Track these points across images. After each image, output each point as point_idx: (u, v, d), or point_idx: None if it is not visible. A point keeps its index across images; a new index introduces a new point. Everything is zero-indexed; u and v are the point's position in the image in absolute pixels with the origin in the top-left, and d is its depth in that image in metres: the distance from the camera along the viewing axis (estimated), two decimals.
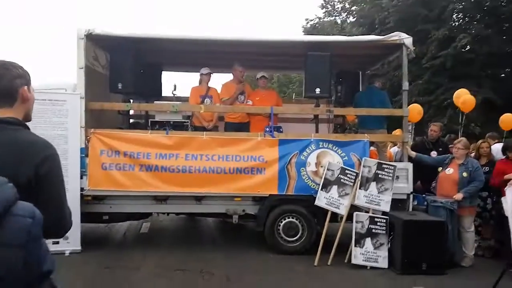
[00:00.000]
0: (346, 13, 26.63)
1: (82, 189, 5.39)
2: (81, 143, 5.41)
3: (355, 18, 22.64)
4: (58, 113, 5.38)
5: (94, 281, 4.48)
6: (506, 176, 5.25)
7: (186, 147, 5.59)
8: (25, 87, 1.65)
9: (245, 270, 4.96)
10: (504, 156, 5.70)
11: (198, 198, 5.80)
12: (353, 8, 23.88)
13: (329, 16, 28.08)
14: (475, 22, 15.30)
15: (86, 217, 5.57)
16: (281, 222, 5.77)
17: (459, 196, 5.32)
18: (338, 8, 27.70)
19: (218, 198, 5.79)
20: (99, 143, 5.46)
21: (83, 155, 5.42)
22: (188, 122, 6.07)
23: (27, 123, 1.66)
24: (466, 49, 14.43)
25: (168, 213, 6.47)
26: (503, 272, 3.08)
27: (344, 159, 5.78)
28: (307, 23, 28.22)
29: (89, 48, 5.78)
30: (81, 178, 5.40)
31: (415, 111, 7.94)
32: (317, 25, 27.05)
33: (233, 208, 5.86)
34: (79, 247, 5.38)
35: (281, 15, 52.07)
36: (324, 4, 28.17)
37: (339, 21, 26.71)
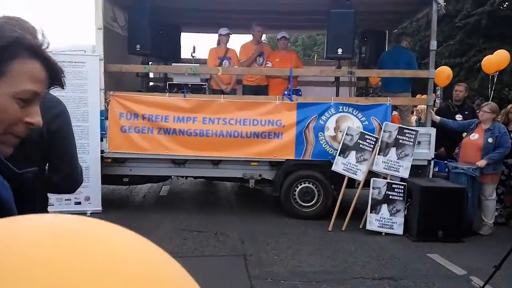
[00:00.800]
0: None
1: (102, 151, 5.51)
2: (100, 105, 5.47)
3: None
4: (77, 75, 5.41)
5: None
6: None
7: (203, 111, 5.57)
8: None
9: (260, 233, 5.04)
10: None
11: (215, 162, 5.84)
12: None
13: None
14: None
15: (106, 179, 5.75)
16: (297, 187, 5.78)
17: (482, 162, 5.13)
18: None
19: (235, 162, 5.82)
20: (118, 106, 5.51)
21: (103, 118, 5.49)
22: (206, 85, 6.01)
23: None
24: (504, 5, 13.45)
25: (186, 177, 6.57)
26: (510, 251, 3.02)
27: (364, 123, 5.64)
28: None
29: (107, 7, 5.71)
30: (101, 140, 5.51)
31: (443, 74, 7.52)
32: None
33: (250, 173, 5.88)
34: (100, 208, 5.58)
35: None
36: None
37: None
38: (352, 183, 5.64)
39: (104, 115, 5.49)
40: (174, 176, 7.68)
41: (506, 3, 13.21)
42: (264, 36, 7.64)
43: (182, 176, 6.63)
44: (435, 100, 8.21)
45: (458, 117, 6.09)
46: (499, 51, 7.36)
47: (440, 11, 5.66)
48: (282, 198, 5.78)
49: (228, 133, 5.59)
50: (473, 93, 12.28)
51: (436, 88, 8.91)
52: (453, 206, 4.96)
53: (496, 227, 5.43)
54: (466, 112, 6.26)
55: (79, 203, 5.47)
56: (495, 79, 9.44)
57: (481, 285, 3.42)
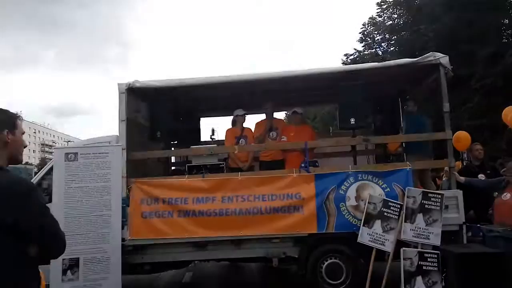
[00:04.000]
0: (386, 44, 26.41)
1: (123, 240, 5.51)
2: (122, 193, 5.61)
3: (395, 48, 22.39)
4: (101, 165, 5.64)
5: None
6: None
7: (222, 189, 5.60)
8: (5, 132, 1.77)
9: None
10: None
11: (237, 243, 5.68)
12: (393, 38, 23.69)
13: (369, 49, 27.97)
14: None
15: (127, 268, 5.66)
16: (323, 263, 5.50)
17: None
18: (378, 39, 27.58)
19: (256, 241, 5.66)
20: (139, 192, 5.63)
21: (125, 205, 5.60)
22: (224, 164, 6.13)
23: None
24: None
25: (208, 260, 6.40)
26: None
27: (386, 190, 5.48)
28: (347, 58, 28.28)
29: (131, 101, 6.13)
30: (122, 228, 5.54)
31: (463, 139, 7.38)
32: (357, 58, 26.99)
33: (273, 251, 5.67)
34: None
35: (320, 53, 52.62)
36: (363, 38, 28.21)
37: (380, 53, 26.46)
38: (381, 255, 5.33)
39: (126, 202, 5.60)
40: (196, 261, 7.54)
41: None
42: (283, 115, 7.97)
43: (205, 260, 6.48)
44: (462, 162, 7.98)
45: (481, 176, 5.86)
46: None
47: (448, 74, 5.77)
48: (309, 276, 5.48)
49: (247, 210, 5.53)
50: (499, 154, 11.91)
51: (462, 152, 8.71)
52: (494, 273, 4.54)
53: None
54: (488, 172, 6.03)
55: None
56: None
57: None
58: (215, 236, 5.52)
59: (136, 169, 6.01)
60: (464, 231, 5.31)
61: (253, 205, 5.55)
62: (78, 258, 5.31)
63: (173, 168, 7.10)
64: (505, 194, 5.16)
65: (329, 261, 5.48)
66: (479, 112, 13.76)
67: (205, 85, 6.07)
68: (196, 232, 5.50)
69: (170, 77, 6.79)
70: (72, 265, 5.30)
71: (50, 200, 5.28)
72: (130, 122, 6.01)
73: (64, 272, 5.25)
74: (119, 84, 5.94)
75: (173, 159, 7.43)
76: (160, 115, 6.03)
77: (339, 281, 5.42)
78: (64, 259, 5.18)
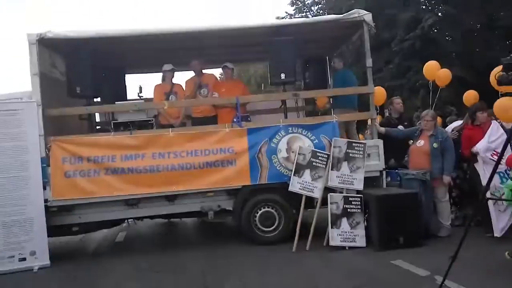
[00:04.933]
0: (316, 8, 26.74)
1: (46, 201, 5.19)
2: (41, 152, 5.21)
3: (324, 11, 22.80)
4: (13, 123, 5.17)
5: None
6: (474, 150, 5.28)
7: (152, 146, 5.44)
8: None
9: (222, 264, 4.84)
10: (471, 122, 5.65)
11: (171, 198, 5.65)
12: (323, 1, 24.04)
13: (300, 12, 28.16)
14: (442, 5, 15.50)
15: (54, 230, 5.38)
16: (257, 213, 5.67)
17: (446, 179, 5.38)
18: (308, 3, 27.81)
19: (191, 195, 5.66)
20: (60, 151, 5.27)
21: (45, 165, 5.21)
22: (153, 120, 5.92)
23: None
24: (435, 30, 14.61)
25: (142, 218, 6.28)
26: (462, 239, 3.09)
27: (314, 142, 5.72)
28: None
29: (44, 53, 5.59)
30: (44, 189, 5.20)
31: (379, 94, 7.85)
32: None
33: (208, 205, 5.73)
34: (47, 262, 5.15)
35: (252, 15, 51.98)
36: (294, 1, 28.25)
37: (310, 16, 26.79)
38: (312, 203, 5.63)
39: (45, 162, 5.22)
40: (130, 220, 7.36)
41: (437, 26, 14.33)
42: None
43: (138, 218, 6.34)
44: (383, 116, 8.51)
45: (400, 127, 6.33)
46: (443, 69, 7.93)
47: (371, 31, 6.02)
48: (243, 226, 5.64)
49: (180, 166, 5.47)
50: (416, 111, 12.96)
51: (385, 108, 9.30)
52: (409, 211, 5.03)
53: (454, 229, 5.52)
54: (406, 123, 6.54)
55: (24, 259, 5.04)
56: (436, 96, 10.05)
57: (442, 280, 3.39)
58: (148, 192, 5.40)
59: (56, 127, 5.59)
60: (384, 176, 5.76)
61: (186, 161, 5.49)
62: None
63: (97, 127, 6.69)
64: (419, 141, 5.65)
65: (263, 210, 5.65)
66: (399, 73, 14.72)
67: (127, 38, 5.72)
68: (126, 190, 5.34)
69: (88, 29, 6.25)
70: None
71: None
72: (45, 76, 5.52)
73: None
74: (28, 35, 5.38)
75: (97, 118, 7.00)
76: (79, 70, 5.56)
77: (272, 228, 5.64)
78: None
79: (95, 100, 6.38)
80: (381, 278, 4.06)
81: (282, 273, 4.43)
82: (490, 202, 4.89)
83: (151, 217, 6.38)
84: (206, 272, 4.61)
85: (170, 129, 5.70)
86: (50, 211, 5.24)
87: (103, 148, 5.35)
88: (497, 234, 4.91)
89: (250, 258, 5.04)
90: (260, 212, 5.67)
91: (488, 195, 4.48)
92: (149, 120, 5.87)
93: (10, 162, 5.09)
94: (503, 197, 4.53)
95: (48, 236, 5.20)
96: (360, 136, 7.31)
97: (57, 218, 5.38)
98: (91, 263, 5.32)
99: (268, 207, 5.69)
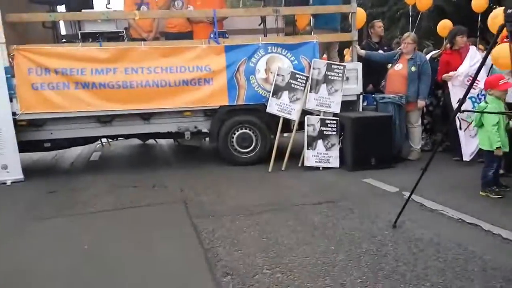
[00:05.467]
0: None
1: (14, 114, 4.95)
2: (4, 61, 4.85)
3: None
4: None
5: (37, 203, 4.26)
6: (444, 77, 5.31)
7: (124, 60, 5.17)
8: None
9: (199, 182, 4.90)
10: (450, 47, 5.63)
11: (146, 117, 5.52)
12: None
13: None
14: None
15: (26, 145, 5.22)
16: (234, 134, 5.67)
17: (421, 104, 5.47)
18: None
19: (167, 115, 5.55)
20: (26, 61, 4.93)
21: (9, 75, 4.89)
22: (123, 32, 5.55)
23: None
24: None
25: (115, 138, 6.16)
26: (432, 155, 3.22)
27: (294, 63, 5.61)
28: None
29: None
30: (11, 101, 4.93)
31: (359, 16, 7.59)
32: None
33: (185, 125, 5.66)
34: (21, 176, 5.07)
35: None
36: None
37: None
38: (289, 127, 5.66)
39: (9, 72, 4.89)
40: (104, 141, 7.24)
41: None
42: None
43: (112, 138, 6.23)
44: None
45: (380, 52, 6.26)
46: None
47: None
48: (220, 146, 5.65)
49: (155, 82, 5.27)
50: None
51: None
52: (382, 133, 5.15)
53: (423, 153, 5.75)
54: (385, 47, 6.48)
55: None
56: (415, 25, 9.87)
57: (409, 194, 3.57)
58: (121, 109, 5.23)
59: (18, 36, 5.17)
60: (361, 100, 5.80)
61: (161, 77, 5.29)
62: None
63: (63, 40, 6.24)
64: (397, 64, 5.64)
65: (240, 131, 5.65)
66: (380, 1, 14.31)
67: None
68: (98, 105, 5.15)
69: None
70: None
71: None
72: None
73: None
74: None
75: (62, 31, 6.51)
76: None
77: (249, 149, 5.69)
78: None
79: (58, 8, 5.87)
80: (352, 193, 4.24)
81: (258, 188, 4.55)
82: (461, 129, 5.07)
83: (126, 137, 6.30)
84: (184, 187, 4.67)
85: (142, 42, 5.39)
86: (19, 125, 5.03)
87: (72, 60, 5.04)
88: (466, 158, 5.14)
89: (227, 176, 5.12)
90: (237, 133, 5.67)
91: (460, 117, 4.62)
92: (119, 32, 5.51)
93: None
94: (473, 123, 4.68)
95: (20, 151, 5.06)
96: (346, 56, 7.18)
97: (28, 134, 5.19)
98: (65, 179, 5.27)
99: (245, 129, 5.69)
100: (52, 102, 5.01)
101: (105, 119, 5.41)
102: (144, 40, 5.62)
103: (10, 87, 4.90)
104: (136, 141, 7.57)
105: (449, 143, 5.69)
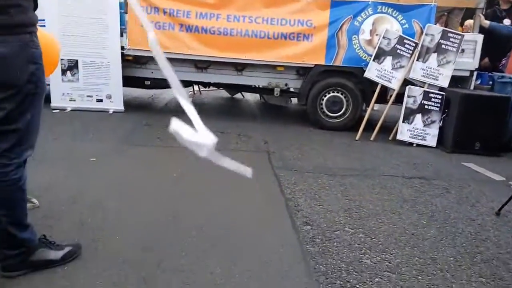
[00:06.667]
0: None
1: (122, 48, 5.28)
2: None
3: None
4: None
5: (134, 132, 4.56)
6: None
7: (228, 7, 5.16)
8: None
9: (283, 138, 4.83)
10: None
11: (239, 69, 5.54)
12: None
13: None
14: None
15: (129, 81, 5.57)
16: (325, 96, 5.45)
17: None
18: None
19: (260, 68, 5.50)
20: None
21: (122, 11, 5.19)
22: None
23: None
24: None
25: (208, 86, 6.30)
26: None
27: (404, 27, 5.15)
28: None
29: None
30: (121, 36, 5.25)
31: None
32: None
33: (275, 81, 5.58)
34: (122, 107, 5.45)
35: None
36: None
37: None
38: (383, 97, 5.28)
39: (123, 7, 5.17)
40: (196, 90, 7.51)
41: None
42: None
43: (204, 85, 6.39)
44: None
45: (506, 21, 5.45)
46: None
47: None
48: (309, 107, 5.49)
49: (254, 33, 5.21)
50: None
51: None
52: (494, 117, 4.58)
53: None
54: None
55: (101, 100, 5.35)
56: None
57: None
58: (218, 56, 5.29)
59: None
60: (474, 77, 5.17)
61: (261, 28, 5.21)
62: (77, 60, 5.15)
63: None
64: None
65: (331, 94, 5.42)
66: None
67: None
68: (198, 50, 5.25)
69: None
70: (72, 67, 5.17)
71: None
72: None
73: (63, 72, 5.16)
74: None
75: None
76: None
77: (338, 114, 5.46)
78: (63, 59, 5.01)
79: None
80: (450, 174, 3.86)
81: (343, 153, 4.35)
82: None
83: (217, 86, 6.43)
84: (268, 140, 4.64)
85: None
86: (126, 59, 5.36)
87: (180, 1, 5.15)
88: None
89: (311, 138, 4.98)
90: (328, 96, 5.44)
91: None
92: None
93: (91, 4, 5.08)
94: None
95: (123, 85, 5.42)
96: (460, 29, 6.44)
97: (132, 70, 5.52)
98: (160, 116, 5.56)
99: (337, 92, 5.44)
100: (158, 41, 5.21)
101: (202, 65, 5.53)
102: None
103: (122, 22, 5.19)
104: (224, 94, 7.73)
105: None
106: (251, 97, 7.85)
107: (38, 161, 3.13)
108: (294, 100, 6.47)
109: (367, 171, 3.75)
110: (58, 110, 5.21)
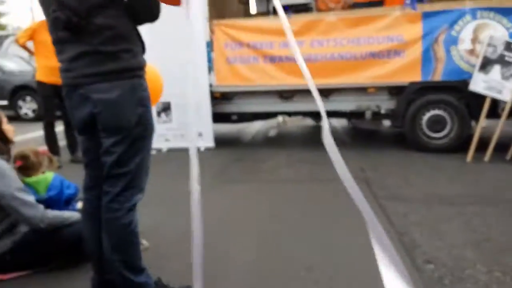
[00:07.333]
0: None
1: (210, 85, 5.42)
2: (206, 36, 5.33)
3: None
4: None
5: (227, 169, 4.56)
6: None
7: (311, 32, 5.05)
8: None
9: (381, 163, 4.46)
10: None
11: (326, 93, 5.33)
12: None
13: None
14: None
15: (216, 117, 5.67)
16: (424, 115, 4.96)
17: None
18: None
19: (347, 92, 5.24)
20: (223, 35, 5.30)
21: (209, 50, 5.37)
22: (311, 3, 5.44)
23: None
24: None
25: (293, 115, 6.17)
26: None
27: (510, 30, 4.54)
28: None
29: None
30: (209, 73, 5.41)
31: None
32: None
33: (366, 104, 5.25)
34: (212, 144, 5.54)
35: None
36: None
37: None
38: (494, 110, 4.64)
39: (210, 46, 5.36)
40: (280, 120, 7.46)
41: None
42: None
43: (290, 115, 6.27)
44: None
45: None
46: None
47: None
48: (407, 129, 5.03)
49: (340, 55, 5.02)
50: None
51: None
52: None
53: None
54: None
55: None
56: None
57: None
58: (302, 84, 5.15)
59: (216, 12, 5.61)
60: None
61: (346, 50, 5.00)
62: (170, 102, 5.40)
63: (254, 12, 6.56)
64: None
65: (431, 112, 4.92)
66: None
67: None
68: (282, 79, 5.19)
69: None
70: (166, 108, 5.45)
71: None
72: None
73: (158, 114, 5.45)
74: None
75: (253, 7, 6.82)
76: None
77: (441, 134, 4.91)
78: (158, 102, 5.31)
79: None
80: None
81: (455, 178, 3.83)
82: None
83: (303, 115, 6.27)
84: (366, 168, 4.30)
85: (332, 12, 5.17)
86: (213, 97, 5.49)
87: (262, 33, 5.18)
88: None
89: (413, 162, 4.52)
90: (427, 114, 4.95)
91: None
92: (307, 4, 5.41)
93: (180, 47, 5.33)
94: None
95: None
96: None
97: (220, 106, 5.63)
98: (249, 151, 5.54)
99: (438, 109, 4.92)
100: (243, 75, 5.28)
101: (287, 95, 5.45)
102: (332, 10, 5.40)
103: (209, 60, 5.36)
104: (309, 122, 7.54)
105: None
106: (338, 123, 7.55)
107: (142, 201, 3.22)
108: (385, 123, 6.04)
109: (490, 197, 3.22)
110: (155, 152, 5.47)
